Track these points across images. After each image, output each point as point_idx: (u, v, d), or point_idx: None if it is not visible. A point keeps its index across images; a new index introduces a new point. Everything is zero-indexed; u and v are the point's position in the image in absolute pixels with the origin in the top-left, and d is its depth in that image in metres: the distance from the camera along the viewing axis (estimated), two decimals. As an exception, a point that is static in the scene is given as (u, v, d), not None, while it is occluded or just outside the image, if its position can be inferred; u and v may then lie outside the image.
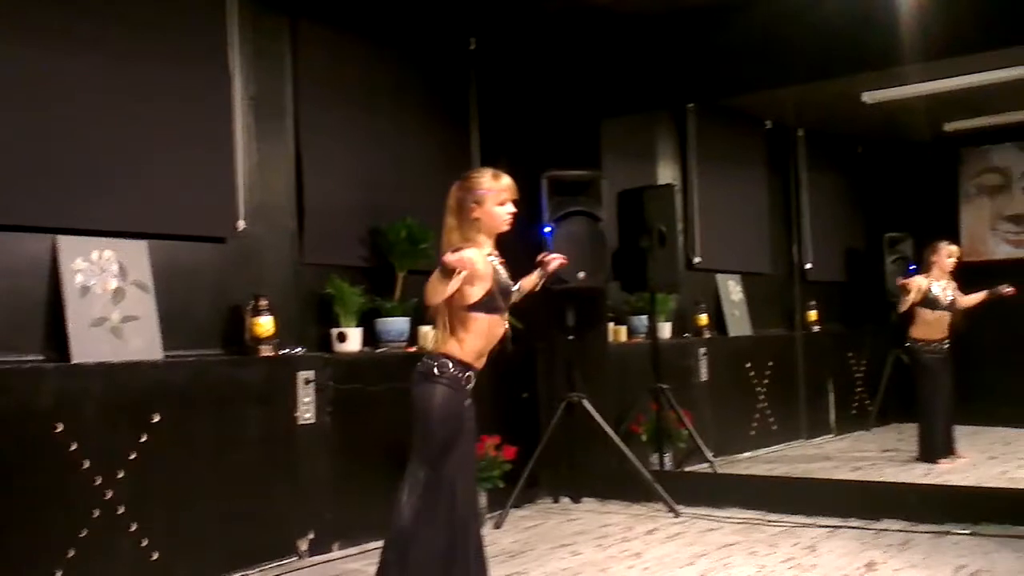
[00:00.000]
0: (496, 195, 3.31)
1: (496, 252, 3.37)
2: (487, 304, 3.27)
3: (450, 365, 3.28)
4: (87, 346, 4.15)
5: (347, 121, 5.46)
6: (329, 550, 4.82)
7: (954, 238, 7.13)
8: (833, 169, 8.06)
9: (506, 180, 3.35)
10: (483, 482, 5.28)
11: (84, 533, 3.91)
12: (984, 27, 4.93)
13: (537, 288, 3.72)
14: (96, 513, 3.95)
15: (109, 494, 3.99)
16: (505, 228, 3.36)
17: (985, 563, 4.28)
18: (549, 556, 4.72)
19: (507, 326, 3.41)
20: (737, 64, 5.67)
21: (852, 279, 8.11)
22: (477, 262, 3.17)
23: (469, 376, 3.33)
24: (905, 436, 7.19)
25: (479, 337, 3.30)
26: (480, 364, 3.36)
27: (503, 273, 3.35)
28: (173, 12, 4.66)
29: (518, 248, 5.96)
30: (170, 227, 4.59)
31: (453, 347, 3.29)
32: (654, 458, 6.31)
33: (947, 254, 6.56)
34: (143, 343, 4.35)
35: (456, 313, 3.28)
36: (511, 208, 3.34)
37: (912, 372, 6.70)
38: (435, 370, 3.28)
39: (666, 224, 6.14)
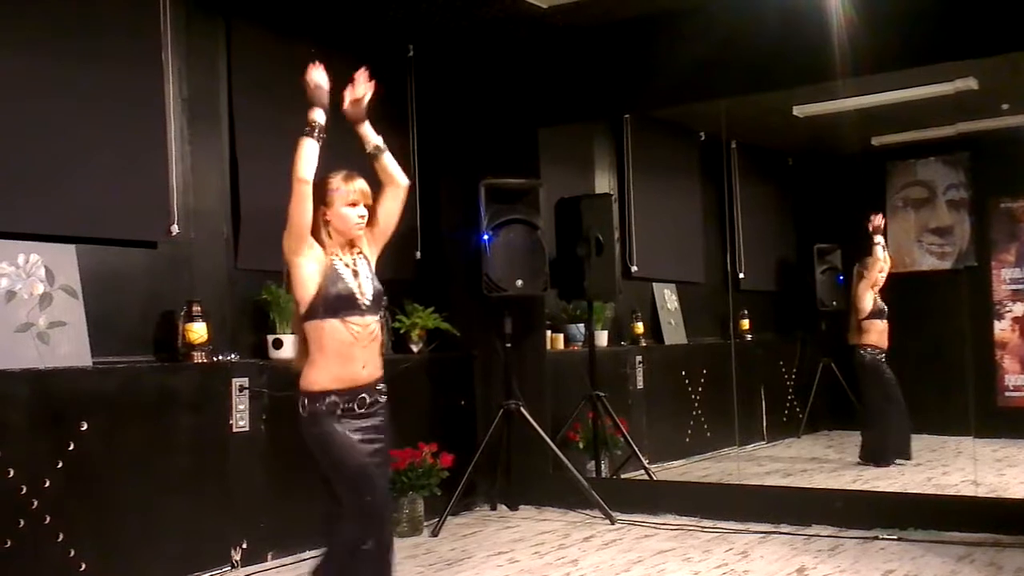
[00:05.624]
0: (344, 196, 3.24)
1: (358, 254, 3.29)
2: (321, 309, 3.15)
3: (306, 401, 3.17)
4: (12, 352, 4.04)
5: (284, 124, 5.34)
6: (263, 560, 4.75)
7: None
8: (765, 181, 8.18)
9: (358, 183, 3.28)
10: (420, 490, 5.27)
11: (8, 544, 3.80)
12: (910, 44, 5.06)
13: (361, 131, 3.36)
14: (22, 523, 3.84)
15: (35, 504, 3.88)
16: (357, 232, 3.27)
17: (912, 568, 4.38)
18: (486, 563, 4.71)
19: (376, 334, 3.24)
20: (673, 76, 5.73)
21: (783, 289, 8.25)
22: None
23: (334, 403, 3.15)
24: (834, 443, 7.33)
25: (329, 355, 3.16)
26: (347, 383, 3.17)
27: (344, 276, 3.20)
28: (105, 10, 4.56)
29: (458, 256, 6.08)
30: (100, 231, 4.49)
31: (307, 376, 3.17)
32: (590, 465, 6.35)
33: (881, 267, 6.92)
34: (71, 349, 4.24)
35: (304, 331, 3.20)
36: (362, 211, 3.27)
37: (863, 378, 6.89)
38: (301, 408, 3.18)
39: (603, 233, 6.19)
